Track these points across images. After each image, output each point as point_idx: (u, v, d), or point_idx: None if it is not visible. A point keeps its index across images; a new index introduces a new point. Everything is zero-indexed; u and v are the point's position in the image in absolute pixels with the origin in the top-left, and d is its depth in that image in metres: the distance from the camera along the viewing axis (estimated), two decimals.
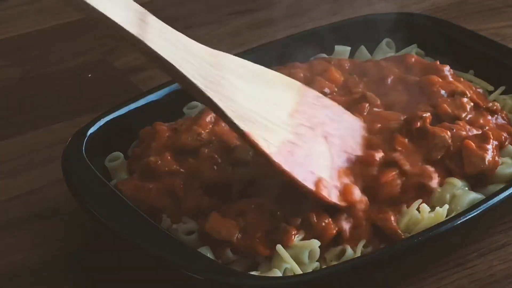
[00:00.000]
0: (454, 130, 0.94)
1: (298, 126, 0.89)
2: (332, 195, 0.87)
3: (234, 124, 0.83)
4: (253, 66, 0.89)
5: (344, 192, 0.88)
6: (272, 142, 0.85)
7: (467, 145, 0.92)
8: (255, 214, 0.87)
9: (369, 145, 0.94)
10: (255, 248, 0.85)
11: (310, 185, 0.86)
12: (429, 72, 1.04)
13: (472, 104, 0.99)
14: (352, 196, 0.88)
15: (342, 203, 0.87)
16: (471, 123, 0.97)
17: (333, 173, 0.89)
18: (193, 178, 0.91)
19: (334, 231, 0.86)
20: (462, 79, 1.07)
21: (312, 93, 0.94)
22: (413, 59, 1.06)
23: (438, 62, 1.06)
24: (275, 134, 0.86)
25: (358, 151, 0.92)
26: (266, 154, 0.84)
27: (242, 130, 0.83)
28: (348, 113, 0.96)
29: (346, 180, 0.89)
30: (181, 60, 0.82)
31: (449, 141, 0.93)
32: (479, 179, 0.92)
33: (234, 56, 0.88)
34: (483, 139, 0.94)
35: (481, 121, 0.98)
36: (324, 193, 0.86)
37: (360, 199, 0.88)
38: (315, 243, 0.85)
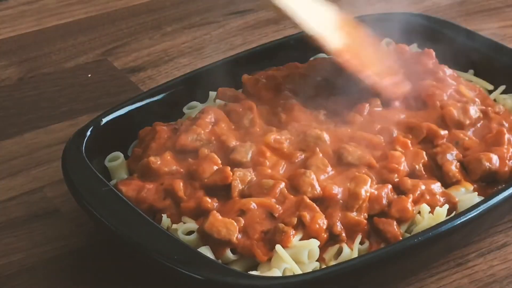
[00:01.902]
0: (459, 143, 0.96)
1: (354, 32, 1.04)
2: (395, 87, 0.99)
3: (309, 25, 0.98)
4: None
5: None
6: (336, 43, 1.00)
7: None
8: (254, 214, 0.87)
9: (371, 145, 0.94)
10: (253, 252, 0.85)
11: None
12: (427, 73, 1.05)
13: (480, 113, 0.99)
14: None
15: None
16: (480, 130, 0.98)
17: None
18: (193, 178, 0.91)
19: (326, 235, 0.86)
20: (462, 79, 1.07)
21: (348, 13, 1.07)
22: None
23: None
24: (336, 38, 1.00)
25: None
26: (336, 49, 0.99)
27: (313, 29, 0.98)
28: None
29: None
30: None
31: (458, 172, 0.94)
32: (489, 181, 0.94)
33: None
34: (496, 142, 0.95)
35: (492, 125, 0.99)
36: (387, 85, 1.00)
37: None
38: (314, 243, 0.85)
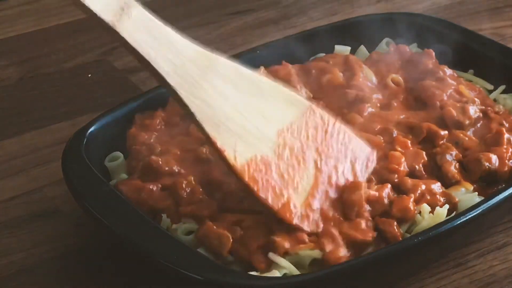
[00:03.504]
0: (459, 144, 0.95)
1: (283, 145, 0.86)
2: (301, 220, 0.85)
3: (201, 127, 0.82)
4: (249, 74, 0.87)
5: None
6: (242, 153, 0.83)
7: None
8: (251, 227, 0.86)
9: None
10: (250, 261, 0.85)
11: (274, 204, 0.85)
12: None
13: (480, 113, 0.99)
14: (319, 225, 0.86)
15: (311, 229, 0.86)
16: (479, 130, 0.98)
17: (312, 201, 0.87)
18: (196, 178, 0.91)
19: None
20: (462, 79, 1.07)
21: (318, 115, 0.90)
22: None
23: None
24: (250, 147, 0.84)
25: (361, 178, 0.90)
26: (229, 163, 0.83)
27: (207, 134, 0.82)
28: (359, 141, 0.92)
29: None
30: (158, 55, 0.81)
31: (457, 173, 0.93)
32: (489, 181, 0.93)
33: (229, 61, 0.86)
34: (495, 142, 0.95)
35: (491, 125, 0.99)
36: (288, 215, 0.85)
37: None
38: (318, 253, 0.85)
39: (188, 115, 0.83)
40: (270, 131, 0.86)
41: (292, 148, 0.87)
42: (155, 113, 1.00)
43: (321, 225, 0.86)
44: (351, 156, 0.90)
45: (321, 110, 0.90)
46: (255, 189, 0.84)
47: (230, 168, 0.84)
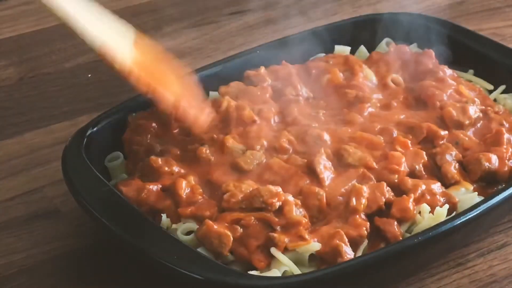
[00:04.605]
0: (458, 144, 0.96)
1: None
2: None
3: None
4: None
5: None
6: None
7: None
8: (250, 226, 0.86)
9: (371, 145, 0.95)
10: (250, 259, 0.85)
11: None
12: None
13: (480, 113, 0.99)
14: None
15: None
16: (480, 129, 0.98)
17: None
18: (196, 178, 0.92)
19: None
20: (462, 79, 1.07)
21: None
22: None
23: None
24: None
25: None
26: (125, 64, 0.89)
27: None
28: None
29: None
30: None
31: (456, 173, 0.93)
32: (489, 181, 0.94)
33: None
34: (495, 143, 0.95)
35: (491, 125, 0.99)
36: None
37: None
38: (316, 246, 0.85)
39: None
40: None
41: None
42: (148, 113, 1.00)
43: None
44: None
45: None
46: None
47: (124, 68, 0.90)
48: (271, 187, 0.88)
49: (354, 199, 0.88)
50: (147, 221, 0.87)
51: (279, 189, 0.88)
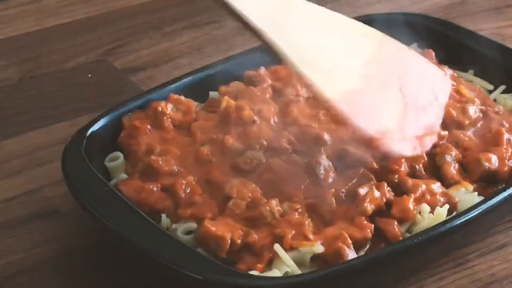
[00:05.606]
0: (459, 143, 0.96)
1: (369, 76, 0.88)
2: (401, 146, 0.88)
3: (293, 64, 0.83)
4: (328, 13, 0.89)
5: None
6: (334, 88, 0.85)
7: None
8: (252, 226, 0.86)
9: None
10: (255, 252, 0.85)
11: (371, 131, 0.86)
12: None
13: (480, 113, 0.99)
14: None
15: (417, 152, 0.89)
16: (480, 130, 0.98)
17: (405, 125, 0.88)
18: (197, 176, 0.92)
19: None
20: (462, 79, 1.07)
21: (393, 44, 0.94)
22: None
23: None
24: (340, 82, 0.86)
25: (439, 103, 0.92)
26: (326, 98, 0.84)
27: (304, 75, 0.83)
28: (434, 66, 0.95)
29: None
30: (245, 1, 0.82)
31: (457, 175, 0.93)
32: (489, 181, 0.93)
33: (307, 1, 0.88)
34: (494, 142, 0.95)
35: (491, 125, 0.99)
36: (386, 140, 0.86)
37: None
38: (320, 249, 0.85)
39: (278, 54, 0.83)
40: (356, 64, 0.88)
41: (377, 77, 0.89)
42: (143, 112, 1.00)
43: (419, 149, 0.89)
44: (429, 79, 0.92)
45: (394, 40, 0.93)
46: (352, 118, 0.85)
47: (327, 103, 0.84)
48: (273, 205, 0.88)
49: (368, 201, 0.88)
50: (147, 221, 0.87)
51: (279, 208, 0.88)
